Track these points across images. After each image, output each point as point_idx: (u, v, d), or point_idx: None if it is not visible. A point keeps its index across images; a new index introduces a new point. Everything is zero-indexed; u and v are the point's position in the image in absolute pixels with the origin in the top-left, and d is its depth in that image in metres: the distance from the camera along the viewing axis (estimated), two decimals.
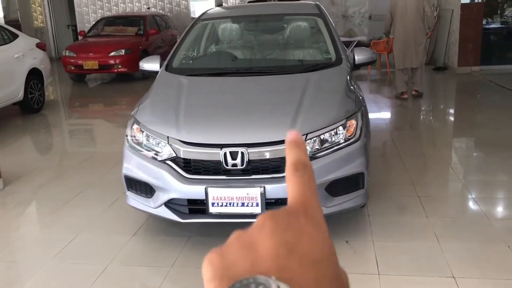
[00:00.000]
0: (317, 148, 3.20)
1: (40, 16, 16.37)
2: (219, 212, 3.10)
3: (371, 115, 6.92)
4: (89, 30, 12.38)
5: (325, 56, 4.36)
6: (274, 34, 5.08)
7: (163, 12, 14.82)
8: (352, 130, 3.33)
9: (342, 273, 0.38)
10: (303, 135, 3.17)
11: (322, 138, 3.24)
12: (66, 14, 16.94)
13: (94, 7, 15.54)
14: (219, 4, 13.85)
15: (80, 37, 12.56)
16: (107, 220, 3.91)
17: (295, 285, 0.33)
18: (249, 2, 11.89)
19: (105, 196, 4.33)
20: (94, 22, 13.13)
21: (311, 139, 3.19)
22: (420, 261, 3.14)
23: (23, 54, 7.61)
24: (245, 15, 5.15)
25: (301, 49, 4.65)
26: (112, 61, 10.59)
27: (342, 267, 0.38)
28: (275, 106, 3.49)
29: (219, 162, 3.14)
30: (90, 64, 10.56)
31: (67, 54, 10.89)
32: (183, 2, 15.08)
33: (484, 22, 10.22)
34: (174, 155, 3.22)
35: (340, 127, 3.29)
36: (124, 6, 15.37)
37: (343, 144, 3.26)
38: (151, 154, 3.30)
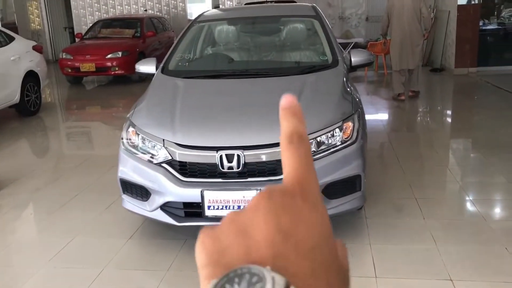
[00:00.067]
0: (313, 151, 3.19)
1: (37, 18, 16.35)
2: (215, 215, 3.08)
3: (368, 117, 6.94)
4: (86, 33, 12.36)
5: (321, 58, 4.35)
6: (270, 36, 5.07)
7: (160, 14, 14.81)
8: (348, 132, 3.31)
9: (340, 255, 0.36)
10: None
11: (318, 140, 3.22)
12: (63, 16, 16.92)
13: (91, 10, 15.53)
14: (216, 6, 13.84)
15: (77, 40, 12.53)
16: (103, 223, 3.89)
17: (290, 274, 0.32)
18: (246, 4, 11.88)
19: (101, 199, 4.31)
20: (91, 25, 13.11)
21: None
22: (417, 264, 3.12)
23: (19, 56, 7.59)
24: (241, 17, 5.14)
25: (297, 51, 4.64)
26: (109, 64, 10.57)
27: (339, 240, 0.37)
28: (271, 108, 3.47)
29: (215, 165, 3.12)
30: (87, 66, 10.54)
31: (64, 56, 10.87)
32: (180, 4, 15.08)
33: (481, 24, 10.23)
34: (170, 158, 3.20)
35: (337, 129, 3.28)
36: (121, 8, 15.36)
37: (340, 146, 3.25)
38: (147, 157, 3.28)
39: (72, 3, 15.57)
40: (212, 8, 11.73)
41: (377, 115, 7.32)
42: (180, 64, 4.47)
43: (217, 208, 3.05)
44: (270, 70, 4.19)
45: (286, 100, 0.39)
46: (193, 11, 14.95)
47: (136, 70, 4.46)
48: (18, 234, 3.93)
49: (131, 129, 3.46)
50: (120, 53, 10.63)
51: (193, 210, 3.19)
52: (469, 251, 3.25)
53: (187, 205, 3.19)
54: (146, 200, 3.29)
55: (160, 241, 3.53)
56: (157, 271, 3.16)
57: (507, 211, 3.99)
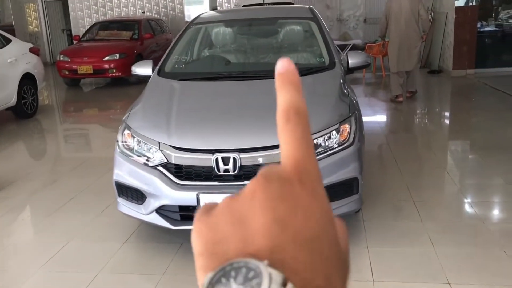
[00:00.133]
0: None
1: (34, 20, 16.33)
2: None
3: (366, 119, 6.92)
4: (84, 35, 12.35)
5: (318, 60, 4.33)
6: (267, 38, 5.05)
7: (158, 16, 14.80)
8: (345, 134, 3.29)
9: (340, 236, 0.34)
10: None
11: (315, 142, 3.20)
12: (61, 18, 16.91)
13: (89, 12, 15.51)
14: (213, 8, 13.83)
15: (74, 42, 12.52)
16: (98, 227, 3.86)
17: (288, 268, 0.31)
18: (244, 6, 11.87)
19: (98, 202, 4.28)
20: (89, 27, 13.09)
21: None
22: (415, 267, 3.10)
23: (16, 59, 7.56)
24: (238, 19, 5.12)
25: (294, 53, 4.62)
26: (106, 66, 10.56)
27: (337, 218, 0.35)
28: (268, 110, 3.44)
29: (210, 167, 3.10)
30: (85, 68, 10.52)
31: (61, 58, 10.86)
32: (178, 6, 15.07)
33: (478, 25, 10.23)
34: (165, 160, 3.18)
35: (334, 132, 3.26)
36: (119, 10, 15.35)
37: (337, 149, 3.23)
38: (142, 159, 3.26)
39: (70, 5, 15.56)
40: (210, 10, 11.72)
41: (375, 117, 7.30)
42: (176, 66, 4.45)
43: None
44: (267, 72, 4.16)
45: (283, 64, 0.36)
46: (191, 13, 14.93)
47: (132, 73, 4.43)
48: (14, 238, 3.90)
49: (126, 131, 3.44)
50: (117, 55, 10.61)
51: (189, 213, 3.16)
52: (467, 254, 3.23)
53: (182, 208, 3.16)
54: (142, 204, 3.26)
55: (156, 244, 3.50)
56: (153, 275, 3.13)
57: (506, 214, 3.97)
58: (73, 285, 3.08)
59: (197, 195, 3.03)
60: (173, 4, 15.16)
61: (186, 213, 3.17)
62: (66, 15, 16.30)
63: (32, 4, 16.19)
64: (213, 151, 3.10)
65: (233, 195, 0.35)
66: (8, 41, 7.69)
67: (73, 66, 10.59)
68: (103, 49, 10.82)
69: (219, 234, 0.33)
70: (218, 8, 14.11)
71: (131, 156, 3.30)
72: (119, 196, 3.43)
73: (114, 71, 10.54)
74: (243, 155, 3.07)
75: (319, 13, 4.92)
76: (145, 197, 3.23)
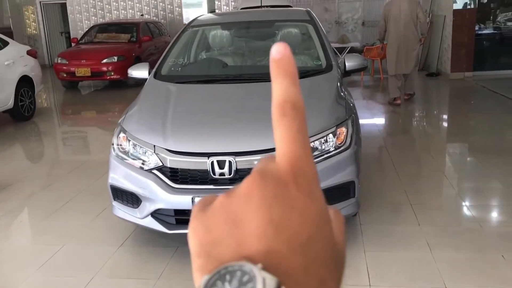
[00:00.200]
0: None
1: (33, 23, 16.32)
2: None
3: (364, 121, 6.92)
4: (82, 37, 12.33)
5: (315, 63, 4.31)
6: (264, 40, 5.03)
7: (157, 19, 14.80)
8: (342, 137, 3.27)
9: (335, 231, 0.34)
10: None
11: (312, 146, 3.18)
12: (59, 21, 16.90)
13: (88, 14, 15.51)
14: (211, 11, 13.83)
15: (73, 44, 12.50)
16: (94, 230, 3.83)
17: (282, 271, 0.31)
18: (242, 8, 11.87)
19: (94, 205, 4.25)
20: (87, 29, 13.08)
21: None
22: (412, 271, 3.08)
23: (13, 61, 7.55)
24: (235, 22, 5.10)
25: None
26: (104, 68, 10.54)
27: (333, 210, 0.35)
28: (264, 113, 3.42)
29: (206, 171, 3.07)
30: (82, 71, 10.51)
31: (59, 61, 10.84)
32: (177, 9, 15.07)
33: (476, 28, 10.23)
34: (161, 164, 3.16)
35: (330, 135, 3.24)
36: (118, 13, 15.35)
37: (333, 152, 3.21)
38: (138, 163, 3.23)
39: (69, 8, 15.56)
40: (208, 13, 11.71)
41: (373, 120, 7.29)
42: (173, 69, 4.43)
43: None
44: (264, 75, 4.14)
45: (278, 49, 0.34)
46: (190, 15, 14.92)
47: (129, 75, 4.42)
48: (10, 240, 3.87)
49: (122, 134, 3.42)
50: (115, 57, 10.60)
51: (184, 217, 3.14)
52: (465, 258, 3.21)
53: (178, 212, 3.14)
54: (137, 207, 3.24)
55: (151, 248, 3.48)
56: (148, 279, 3.11)
57: (503, 217, 3.95)
58: None
59: (192, 199, 3.01)
60: (171, 7, 15.16)
61: (181, 217, 3.15)
62: (65, 18, 16.30)
63: (31, 7, 16.18)
64: (208, 155, 3.08)
65: (228, 192, 0.34)
66: (6, 44, 7.68)
67: (71, 69, 10.57)
68: (101, 52, 10.81)
69: (215, 235, 0.33)
70: (217, 10, 14.12)
71: (126, 160, 3.28)
72: (115, 200, 3.41)
73: (112, 73, 10.52)
74: (238, 159, 3.05)
75: (318, 16, 4.91)
76: (140, 201, 3.20)
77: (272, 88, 0.34)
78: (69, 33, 15.86)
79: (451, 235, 3.52)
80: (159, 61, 4.41)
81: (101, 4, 15.35)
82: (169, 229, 3.13)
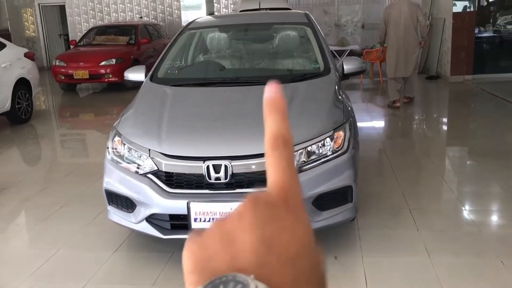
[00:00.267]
0: (303, 161, 3.10)
1: (32, 25, 16.29)
2: (202, 228, 2.97)
3: (363, 125, 6.88)
4: (80, 40, 12.30)
5: (313, 66, 4.27)
6: (262, 43, 4.99)
7: (156, 21, 14.77)
8: (340, 141, 3.23)
9: (320, 261, 0.36)
10: None
11: (309, 150, 3.14)
12: (58, 23, 16.88)
13: (86, 17, 15.48)
14: (210, 13, 13.80)
15: (71, 47, 12.47)
16: (88, 235, 3.78)
17: (273, 282, 0.33)
18: (241, 11, 11.85)
19: (89, 209, 4.20)
20: (85, 32, 13.05)
21: (297, 151, 3.08)
22: (410, 277, 3.03)
23: (11, 63, 7.50)
24: (233, 24, 5.06)
25: (289, 58, 4.56)
26: (102, 71, 10.50)
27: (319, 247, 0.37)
28: (261, 117, 3.35)
29: (201, 175, 3.03)
30: (80, 73, 10.47)
31: (57, 63, 10.80)
32: (176, 11, 15.05)
33: (476, 31, 10.20)
34: (156, 168, 3.11)
35: (328, 139, 3.19)
36: (117, 15, 15.33)
37: (331, 156, 3.16)
38: (132, 167, 3.19)
39: (68, 10, 15.53)
40: (207, 15, 11.68)
41: (372, 123, 7.24)
42: (169, 71, 4.38)
43: (204, 221, 2.96)
44: (261, 78, 4.10)
45: (271, 90, 0.39)
46: (189, 18, 14.90)
47: (125, 78, 4.37)
48: (3, 246, 3.82)
49: (117, 138, 3.37)
50: (114, 60, 10.56)
51: (180, 222, 3.09)
52: (464, 263, 3.16)
53: (173, 217, 3.09)
54: (132, 212, 3.19)
55: (146, 254, 3.43)
56: (143, 285, 3.06)
57: (503, 222, 3.91)
58: None
59: (187, 203, 2.96)
60: (170, 9, 15.14)
61: (176, 222, 3.10)
62: (64, 20, 16.27)
63: (29, 9, 16.15)
64: (204, 159, 3.03)
65: (221, 218, 0.37)
66: (3, 46, 7.64)
67: (69, 71, 10.53)
68: (99, 54, 10.77)
69: (209, 252, 0.35)
70: (216, 13, 14.09)
71: (121, 164, 3.24)
72: (109, 204, 3.36)
73: (110, 76, 10.48)
74: (234, 163, 3.00)
75: (317, 18, 4.87)
76: (135, 206, 3.16)
77: (265, 123, 0.38)
78: (68, 35, 15.83)
79: (450, 240, 3.48)
80: (155, 64, 4.36)
81: (100, 6, 15.33)
82: (164, 234, 3.09)
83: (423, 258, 3.22)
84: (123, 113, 3.70)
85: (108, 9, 15.33)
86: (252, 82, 4.00)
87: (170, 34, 13.76)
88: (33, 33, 16.27)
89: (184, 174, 3.07)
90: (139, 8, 15.23)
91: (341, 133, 3.25)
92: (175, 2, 14.96)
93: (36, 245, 3.72)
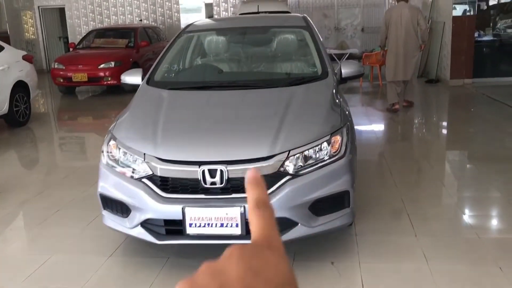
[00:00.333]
0: (300, 165, 3.06)
1: (31, 28, 16.28)
2: (197, 233, 2.94)
3: (362, 128, 6.85)
4: (79, 42, 12.28)
5: (311, 70, 4.24)
6: (260, 46, 4.97)
7: (155, 24, 14.75)
8: (337, 146, 3.19)
9: None
10: (286, 151, 3.04)
11: (305, 154, 3.10)
12: (57, 26, 16.86)
13: (86, 19, 15.48)
14: (209, 16, 13.79)
15: (70, 49, 12.46)
16: (84, 240, 3.75)
17: None
18: (240, 14, 11.83)
19: (85, 214, 4.17)
20: (84, 34, 13.04)
21: (294, 155, 3.05)
22: (408, 284, 3.00)
23: (9, 66, 7.48)
24: (230, 27, 5.04)
25: (287, 62, 4.53)
26: (101, 74, 10.48)
27: None
28: (257, 121, 3.35)
29: (197, 180, 2.99)
30: (79, 76, 10.45)
31: (56, 66, 10.78)
32: (175, 14, 15.04)
33: (476, 35, 10.18)
34: (151, 173, 3.07)
35: (325, 143, 3.16)
36: (116, 18, 15.32)
37: (328, 161, 3.12)
38: (127, 171, 3.15)
39: (67, 12, 15.53)
40: (206, 18, 11.67)
41: (371, 126, 7.21)
42: (166, 75, 4.35)
43: (199, 226, 2.92)
44: (259, 82, 4.08)
45: (251, 173, 0.47)
46: (188, 21, 14.87)
47: (122, 81, 4.34)
48: None
49: (112, 142, 3.34)
50: (112, 63, 10.54)
51: (175, 227, 3.05)
52: (462, 270, 3.12)
53: (168, 222, 3.06)
54: (126, 217, 3.15)
55: (141, 259, 3.39)
56: None
57: (502, 228, 3.87)
58: None
59: (182, 208, 2.93)
60: (170, 12, 15.13)
61: (171, 227, 3.07)
62: (63, 23, 16.27)
63: (29, 12, 16.15)
64: (199, 163, 2.99)
65: (211, 260, 0.40)
66: (1, 49, 7.61)
67: (68, 74, 10.51)
68: (98, 57, 10.75)
69: (199, 285, 0.38)
70: (215, 16, 14.08)
71: (116, 168, 3.20)
72: (104, 209, 3.32)
73: (109, 79, 10.46)
74: (230, 167, 2.97)
75: (317, 22, 4.86)
76: (130, 210, 3.12)
77: (247, 193, 0.46)
78: (67, 38, 15.81)
79: (448, 246, 3.44)
80: (152, 67, 4.33)
81: (100, 9, 15.32)
82: (159, 240, 3.05)
83: (421, 264, 3.18)
84: (118, 117, 3.67)
85: (108, 12, 15.32)
86: (249, 85, 3.97)
87: (170, 37, 13.74)
88: (32, 36, 16.26)
89: (179, 178, 3.03)
90: (138, 11, 15.23)
91: (338, 137, 3.22)
92: (175, 5, 14.95)
93: (31, 250, 3.69)
